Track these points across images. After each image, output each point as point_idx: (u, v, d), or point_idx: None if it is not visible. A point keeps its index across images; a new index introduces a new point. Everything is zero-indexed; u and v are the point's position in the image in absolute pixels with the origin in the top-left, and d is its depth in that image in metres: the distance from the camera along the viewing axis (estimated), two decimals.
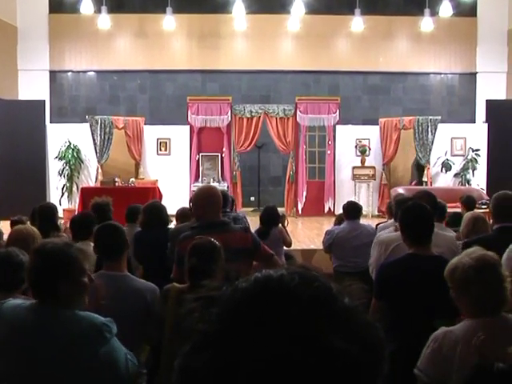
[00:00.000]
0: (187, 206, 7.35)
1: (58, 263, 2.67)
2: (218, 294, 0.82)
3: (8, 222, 6.82)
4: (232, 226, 4.64)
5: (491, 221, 5.00)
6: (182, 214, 7.01)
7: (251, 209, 16.39)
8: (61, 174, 16.05)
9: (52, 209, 6.25)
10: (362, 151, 16.30)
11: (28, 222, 6.34)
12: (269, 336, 0.75)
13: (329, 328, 0.76)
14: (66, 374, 2.64)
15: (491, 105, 16.86)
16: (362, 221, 8.01)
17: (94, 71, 17.91)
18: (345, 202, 8.10)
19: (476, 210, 8.27)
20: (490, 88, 17.73)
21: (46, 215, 5.96)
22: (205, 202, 4.55)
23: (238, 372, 0.74)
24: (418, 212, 4.05)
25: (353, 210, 7.34)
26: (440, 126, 16.21)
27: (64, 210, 14.96)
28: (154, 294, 3.81)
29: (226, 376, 0.75)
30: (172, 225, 6.73)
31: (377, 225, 7.29)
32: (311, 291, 0.79)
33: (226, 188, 15.02)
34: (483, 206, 12.11)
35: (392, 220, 6.17)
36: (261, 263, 4.48)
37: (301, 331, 0.75)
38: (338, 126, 16.35)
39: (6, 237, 6.57)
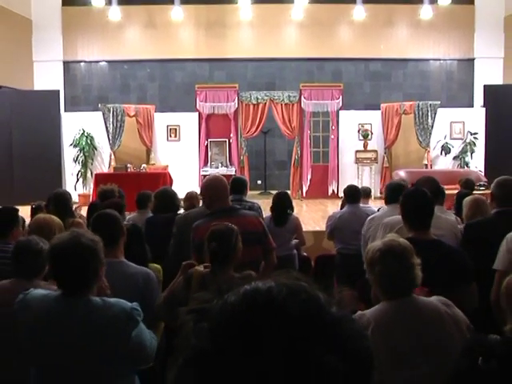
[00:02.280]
0: (194, 189, 7.34)
1: (90, 256, 2.70)
2: (209, 308, 0.79)
3: (26, 208, 6.81)
4: (243, 211, 4.69)
5: (491, 203, 4.96)
6: (188, 197, 7.01)
7: (258, 192, 16.41)
8: (75, 160, 16.07)
9: (65, 195, 6.23)
10: (365, 135, 16.24)
11: (44, 210, 6.34)
12: (257, 351, 0.72)
13: (317, 341, 0.73)
14: (102, 359, 2.66)
15: (488, 90, 16.76)
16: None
17: (106, 61, 17.86)
18: (348, 184, 8.05)
19: (475, 192, 8.25)
20: (487, 73, 17.63)
21: (60, 202, 5.94)
22: (212, 192, 4.63)
23: None
24: (418, 198, 4.01)
25: (352, 194, 7.25)
26: (439, 110, 16.12)
27: (79, 195, 15.01)
28: (148, 279, 3.78)
29: None
30: (182, 210, 6.69)
31: (378, 209, 7.24)
32: (299, 304, 0.76)
33: (233, 172, 15.01)
34: (481, 188, 12.06)
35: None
36: (262, 253, 4.52)
37: (289, 345, 0.72)
38: (341, 112, 16.28)
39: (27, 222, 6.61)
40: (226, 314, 0.76)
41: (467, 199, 5.82)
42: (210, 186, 4.68)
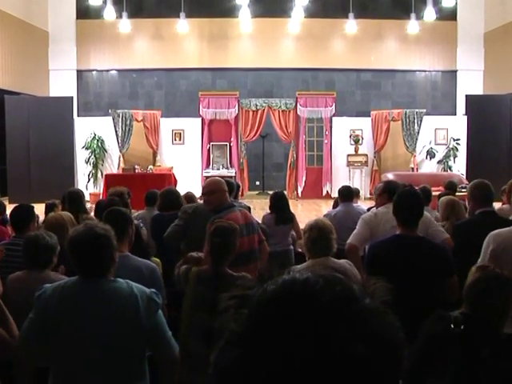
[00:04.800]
0: (197, 189, 7.34)
1: (105, 243, 2.74)
2: (250, 294, 0.79)
3: (41, 205, 6.83)
4: (236, 208, 4.81)
5: (469, 204, 4.94)
6: (185, 197, 7.01)
7: (256, 192, 16.44)
8: (87, 162, 16.05)
9: (79, 194, 6.24)
10: (356, 140, 16.25)
11: (59, 206, 6.34)
12: (292, 336, 0.72)
13: (350, 333, 0.72)
14: (124, 337, 2.65)
15: (470, 99, 16.77)
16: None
17: (116, 70, 17.87)
18: (340, 186, 8.06)
19: (457, 194, 8.26)
20: (468, 84, 17.70)
21: (74, 200, 5.94)
22: (210, 192, 4.79)
23: (263, 369, 0.72)
24: (411, 198, 4.01)
25: (346, 194, 7.26)
26: (425, 118, 16.14)
27: (90, 194, 14.99)
28: (152, 271, 3.78)
29: (252, 372, 0.73)
30: None
31: (368, 208, 7.23)
32: (334, 293, 0.75)
33: (233, 174, 15.02)
34: (463, 190, 12.04)
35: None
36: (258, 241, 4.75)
37: (322, 332, 0.72)
38: (334, 118, 16.27)
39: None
40: (265, 301, 0.76)
41: (442, 200, 5.79)
42: (209, 188, 4.85)
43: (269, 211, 6.97)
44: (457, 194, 7.94)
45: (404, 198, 4.02)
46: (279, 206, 6.91)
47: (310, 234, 4.12)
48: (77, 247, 2.73)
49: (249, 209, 6.48)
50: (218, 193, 4.78)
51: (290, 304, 0.75)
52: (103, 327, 2.63)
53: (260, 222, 6.80)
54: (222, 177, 6.04)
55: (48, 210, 6.73)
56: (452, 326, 2.77)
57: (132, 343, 2.68)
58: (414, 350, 2.72)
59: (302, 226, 9.05)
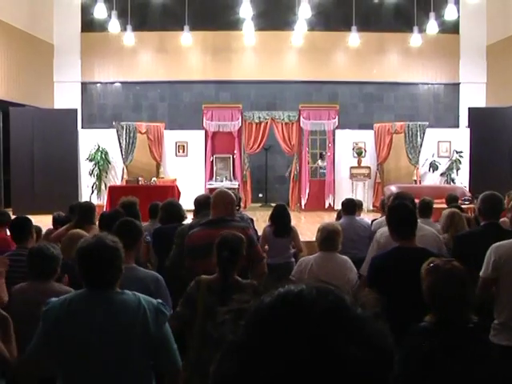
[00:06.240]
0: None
1: (115, 254, 2.76)
2: (247, 307, 0.82)
3: (46, 217, 6.89)
4: (232, 223, 4.64)
5: (478, 217, 4.97)
6: (198, 203, 6.97)
7: (259, 204, 16.43)
8: (91, 173, 16.09)
9: (91, 207, 6.31)
10: (359, 153, 16.26)
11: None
12: (287, 344, 0.75)
13: (342, 336, 0.76)
14: (131, 349, 2.66)
15: (473, 112, 16.81)
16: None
17: (120, 82, 17.96)
18: (343, 198, 8.07)
19: (460, 205, 8.26)
20: (471, 97, 17.73)
21: (85, 212, 6.00)
22: (214, 204, 4.76)
23: (262, 378, 0.74)
24: (401, 211, 4.08)
25: (350, 207, 7.27)
26: (427, 130, 16.15)
27: None
28: (158, 282, 3.82)
29: (250, 381, 0.75)
30: (189, 219, 6.70)
31: (372, 221, 7.25)
32: (326, 303, 0.79)
33: (236, 186, 15.04)
34: (466, 202, 12.06)
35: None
36: (250, 262, 4.45)
37: (316, 339, 0.75)
38: (337, 131, 16.29)
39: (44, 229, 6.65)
40: (261, 312, 0.79)
41: (444, 212, 5.88)
42: (214, 200, 4.81)
43: (269, 223, 7.03)
44: (452, 208, 7.93)
45: (395, 211, 4.12)
46: (278, 218, 6.96)
47: (322, 233, 5.15)
48: (86, 258, 2.74)
49: (252, 221, 6.49)
50: (218, 206, 4.72)
51: (286, 314, 0.78)
52: (112, 339, 2.63)
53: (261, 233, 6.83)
54: (231, 189, 6.05)
55: (55, 221, 6.79)
56: (424, 336, 2.79)
57: (140, 354, 2.68)
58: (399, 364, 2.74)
59: (304, 238, 9.07)
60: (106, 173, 16.31)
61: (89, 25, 17.36)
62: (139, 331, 2.65)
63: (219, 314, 0.84)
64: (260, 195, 17.10)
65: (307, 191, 16.00)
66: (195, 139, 16.36)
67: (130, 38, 16.28)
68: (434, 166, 16.41)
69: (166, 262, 5.02)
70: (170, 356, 2.77)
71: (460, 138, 16.55)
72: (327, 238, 5.11)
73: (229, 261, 3.68)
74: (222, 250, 3.70)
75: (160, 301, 2.80)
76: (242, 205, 11.60)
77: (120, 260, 2.79)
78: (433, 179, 16.53)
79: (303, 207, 15.87)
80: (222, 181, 15.64)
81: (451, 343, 2.75)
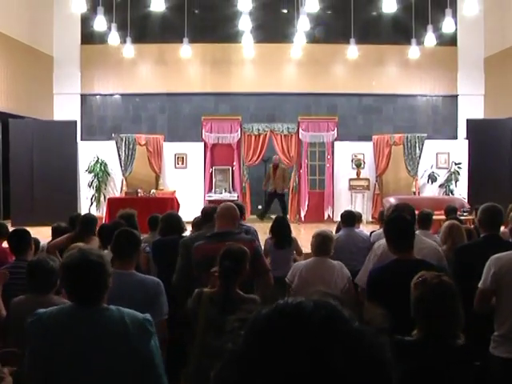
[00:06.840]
0: (195, 214, 7.28)
1: (100, 270, 2.68)
2: (248, 317, 0.84)
3: (45, 228, 6.88)
4: (238, 236, 4.63)
5: (479, 229, 4.97)
6: (196, 223, 6.99)
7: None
8: (90, 185, 16.10)
9: (94, 219, 6.33)
10: (358, 164, 16.28)
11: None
12: (285, 356, 0.75)
13: (340, 349, 0.76)
14: (114, 368, 2.58)
15: (471, 123, 16.85)
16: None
17: (119, 94, 18.00)
18: (343, 210, 8.09)
19: (459, 217, 8.27)
20: (469, 109, 17.78)
21: (87, 224, 6.02)
22: (221, 216, 4.74)
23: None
24: (399, 223, 4.08)
25: (349, 219, 7.30)
26: (426, 142, 16.19)
27: None
28: (157, 286, 3.81)
29: None
30: (188, 231, 6.69)
31: (371, 232, 7.25)
32: (323, 316, 0.79)
33: (236, 198, 15.02)
34: (465, 213, 12.07)
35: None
36: (256, 274, 4.43)
37: (314, 352, 0.75)
38: (336, 142, 16.33)
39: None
40: (259, 323, 0.81)
41: (444, 224, 5.90)
42: (218, 213, 4.78)
43: (270, 235, 7.03)
44: (451, 220, 7.95)
45: (392, 223, 4.11)
46: (279, 230, 6.96)
47: (316, 239, 5.50)
48: (71, 274, 2.67)
49: (255, 232, 6.46)
50: (222, 219, 4.72)
51: (283, 325, 0.79)
52: (96, 357, 2.56)
53: (262, 246, 6.81)
54: (225, 201, 6.04)
55: (54, 232, 6.77)
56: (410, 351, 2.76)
57: (125, 374, 2.59)
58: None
59: (304, 250, 9.08)
60: (106, 184, 16.31)
61: (88, 37, 17.43)
62: (123, 350, 2.57)
63: (228, 322, 0.85)
64: (259, 207, 17.07)
65: (306, 203, 16.00)
66: (194, 151, 16.39)
67: (129, 50, 16.33)
68: (432, 178, 16.43)
69: (172, 277, 4.83)
70: (155, 377, 2.63)
71: (458, 150, 16.59)
72: (321, 242, 5.42)
73: (231, 270, 3.66)
74: (224, 260, 3.70)
75: (147, 317, 2.68)
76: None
77: (106, 275, 2.70)
78: (432, 191, 16.54)
79: (302, 219, 15.86)
80: (221, 193, 15.64)
81: (431, 363, 2.72)
